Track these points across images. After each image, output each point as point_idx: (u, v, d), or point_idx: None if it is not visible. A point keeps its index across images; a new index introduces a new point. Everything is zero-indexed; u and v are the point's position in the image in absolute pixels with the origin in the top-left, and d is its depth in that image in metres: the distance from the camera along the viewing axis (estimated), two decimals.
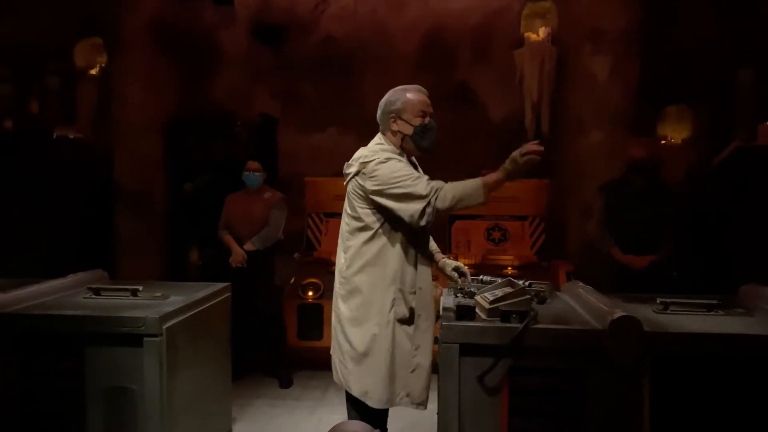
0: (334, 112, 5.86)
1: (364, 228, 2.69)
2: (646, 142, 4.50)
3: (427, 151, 2.78)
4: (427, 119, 2.77)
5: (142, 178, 5.50)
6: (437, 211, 2.58)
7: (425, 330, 2.73)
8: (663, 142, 5.56)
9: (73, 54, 5.71)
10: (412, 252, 2.71)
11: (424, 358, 2.71)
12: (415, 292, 2.71)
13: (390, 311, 2.66)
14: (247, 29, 6.02)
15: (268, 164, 5.70)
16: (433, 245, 3.03)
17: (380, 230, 2.68)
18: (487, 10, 5.77)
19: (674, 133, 5.45)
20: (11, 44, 5.46)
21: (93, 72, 5.76)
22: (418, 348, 2.70)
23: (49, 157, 5.37)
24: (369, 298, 2.67)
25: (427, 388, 2.72)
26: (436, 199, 2.56)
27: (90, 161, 5.61)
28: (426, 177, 2.67)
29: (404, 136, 2.76)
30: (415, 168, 2.79)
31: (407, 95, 2.79)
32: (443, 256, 3.11)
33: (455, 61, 5.85)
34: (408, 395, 2.70)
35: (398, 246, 2.68)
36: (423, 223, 2.58)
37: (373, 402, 2.66)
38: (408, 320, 2.68)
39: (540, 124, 5.26)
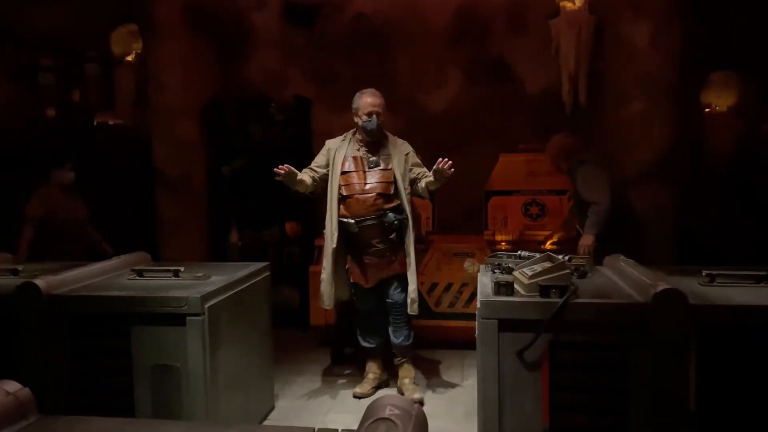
0: None
1: None
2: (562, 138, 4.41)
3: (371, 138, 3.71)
4: (372, 117, 3.64)
5: (181, 162, 5.58)
6: None
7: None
8: (707, 110, 5.38)
9: (110, 41, 5.80)
10: None
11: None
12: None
13: None
14: (278, 10, 6.00)
15: (302, 145, 5.73)
16: None
17: None
18: None
19: (719, 100, 5.26)
20: (51, 34, 5.58)
21: (130, 59, 5.84)
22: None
23: (91, 144, 5.49)
24: None
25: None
26: None
27: (130, 146, 5.73)
28: None
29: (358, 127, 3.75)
30: (373, 148, 3.72)
31: (360, 98, 3.72)
32: None
33: (490, 34, 5.73)
34: None
35: None
36: None
37: None
38: None
39: (578, 95, 5.12)
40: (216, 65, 5.87)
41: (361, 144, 3.74)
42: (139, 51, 5.71)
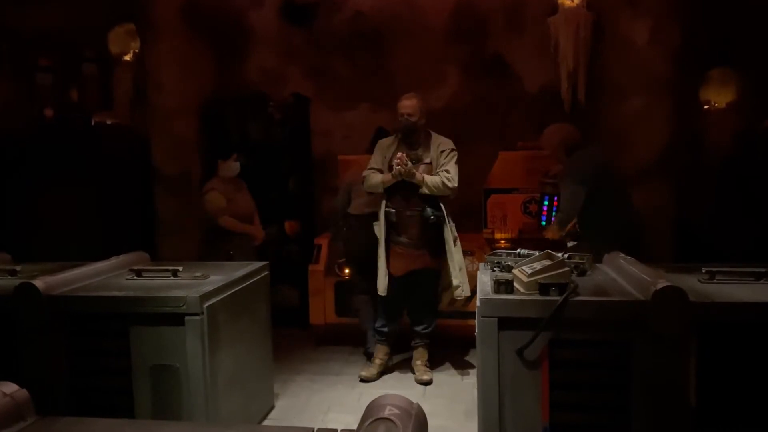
0: (365, 89, 5.81)
1: None
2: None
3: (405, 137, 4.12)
4: (403, 117, 4.06)
5: (179, 161, 5.56)
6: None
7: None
8: (706, 107, 5.37)
9: (107, 41, 5.78)
10: None
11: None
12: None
13: None
14: (276, 9, 5.99)
15: (301, 144, 5.72)
16: None
17: None
18: None
19: (718, 97, 5.25)
20: (49, 34, 5.56)
21: (127, 58, 5.83)
22: None
23: (89, 144, 5.48)
24: None
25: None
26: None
27: (128, 146, 5.71)
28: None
29: None
30: (413, 145, 4.10)
31: (399, 101, 4.10)
32: None
33: (488, 31, 5.71)
34: None
35: None
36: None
37: None
38: None
39: (577, 93, 5.12)
40: (214, 64, 5.85)
41: (403, 142, 4.11)
42: (136, 50, 5.69)
